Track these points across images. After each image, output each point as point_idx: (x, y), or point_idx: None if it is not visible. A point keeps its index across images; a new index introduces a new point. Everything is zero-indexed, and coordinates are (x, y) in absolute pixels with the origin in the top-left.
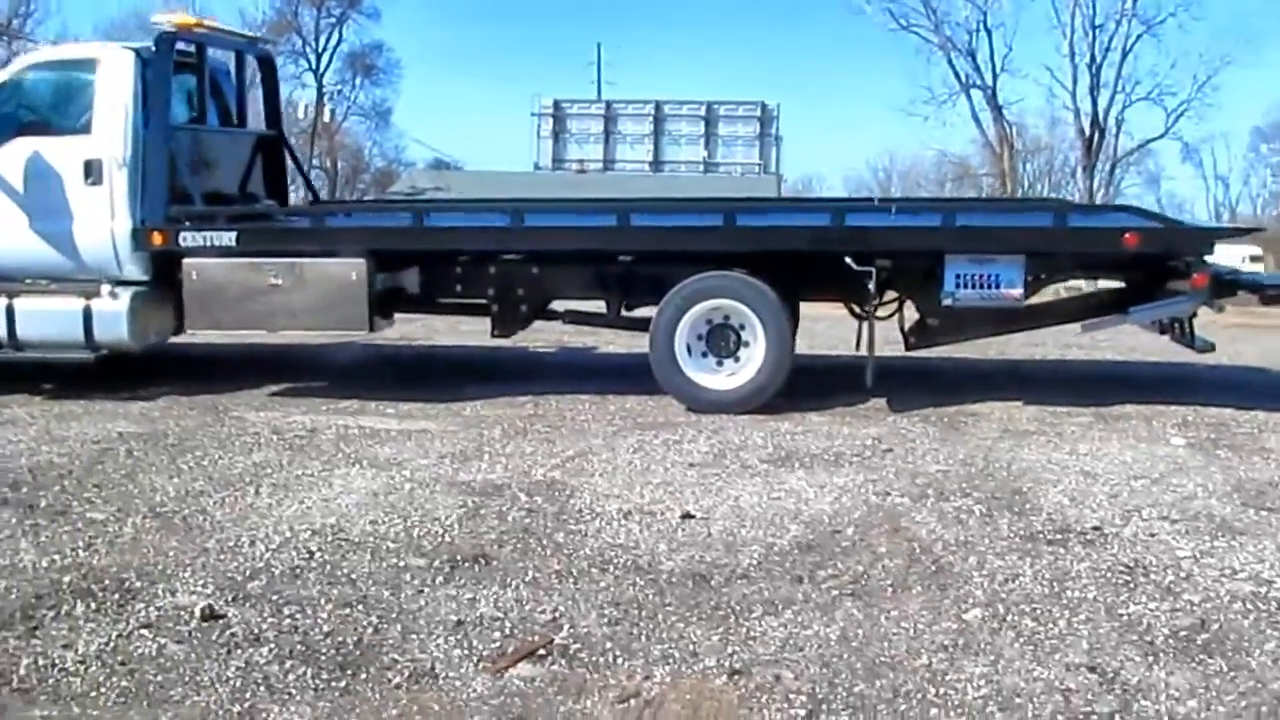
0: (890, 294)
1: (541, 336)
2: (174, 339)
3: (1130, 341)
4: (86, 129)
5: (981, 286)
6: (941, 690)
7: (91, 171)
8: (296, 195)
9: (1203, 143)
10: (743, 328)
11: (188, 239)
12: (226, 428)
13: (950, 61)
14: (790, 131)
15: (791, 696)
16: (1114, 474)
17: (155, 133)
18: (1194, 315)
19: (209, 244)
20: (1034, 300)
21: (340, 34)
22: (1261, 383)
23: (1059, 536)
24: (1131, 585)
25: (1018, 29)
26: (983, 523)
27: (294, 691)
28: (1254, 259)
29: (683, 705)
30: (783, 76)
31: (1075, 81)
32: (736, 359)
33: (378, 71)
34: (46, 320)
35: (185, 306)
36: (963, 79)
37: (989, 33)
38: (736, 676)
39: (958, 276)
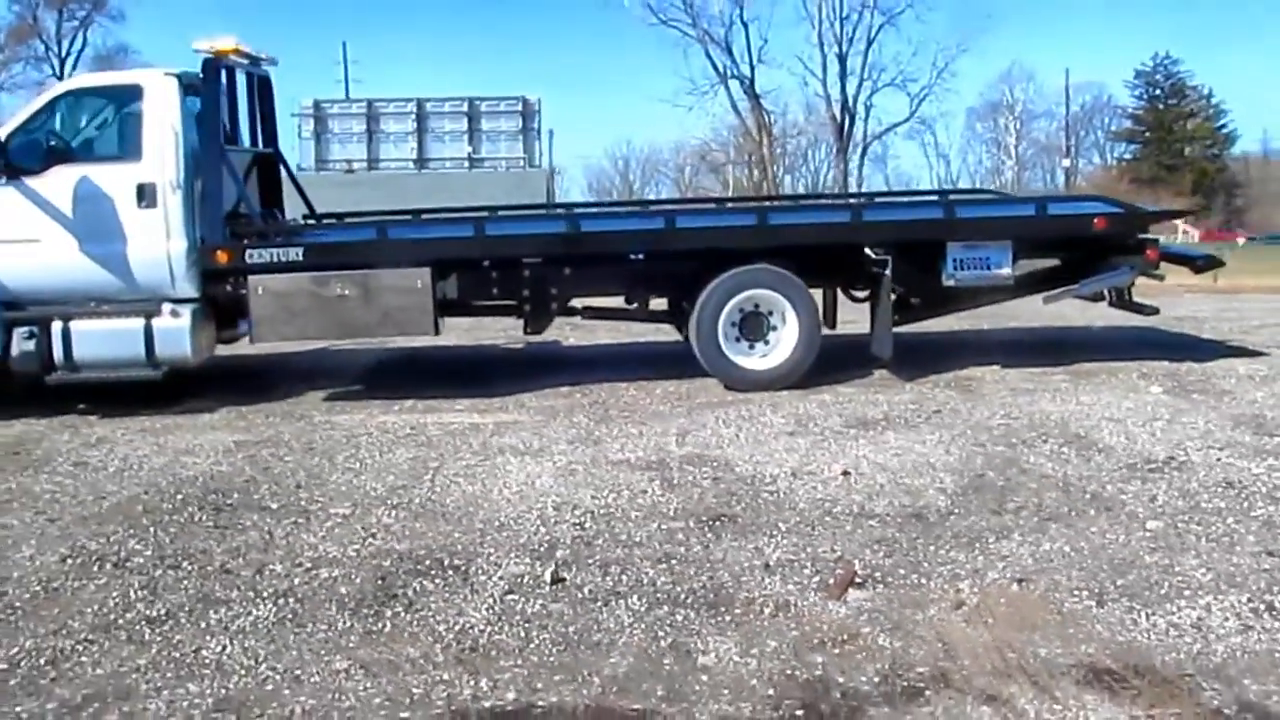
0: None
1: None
2: None
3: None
4: (137, 153)
5: (976, 268)
6: (1178, 578)
7: (145, 195)
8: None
9: (925, 124)
10: (770, 314)
11: (254, 256)
12: (332, 431)
13: (708, 54)
14: (560, 125)
15: (1076, 593)
16: (1133, 417)
17: (210, 155)
18: (1132, 284)
19: (276, 260)
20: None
21: (85, 37)
22: (1166, 340)
23: (1152, 465)
24: (1243, 496)
25: (773, 21)
26: (1083, 460)
27: (696, 627)
28: (1184, 232)
29: (1004, 607)
30: (549, 71)
31: (825, 70)
32: (766, 342)
33: None
34: (107, 340)
35: (253, 320)
36: (721, 70)
37: (745, 25)
38: (1024, 584)
39: (956, 260)
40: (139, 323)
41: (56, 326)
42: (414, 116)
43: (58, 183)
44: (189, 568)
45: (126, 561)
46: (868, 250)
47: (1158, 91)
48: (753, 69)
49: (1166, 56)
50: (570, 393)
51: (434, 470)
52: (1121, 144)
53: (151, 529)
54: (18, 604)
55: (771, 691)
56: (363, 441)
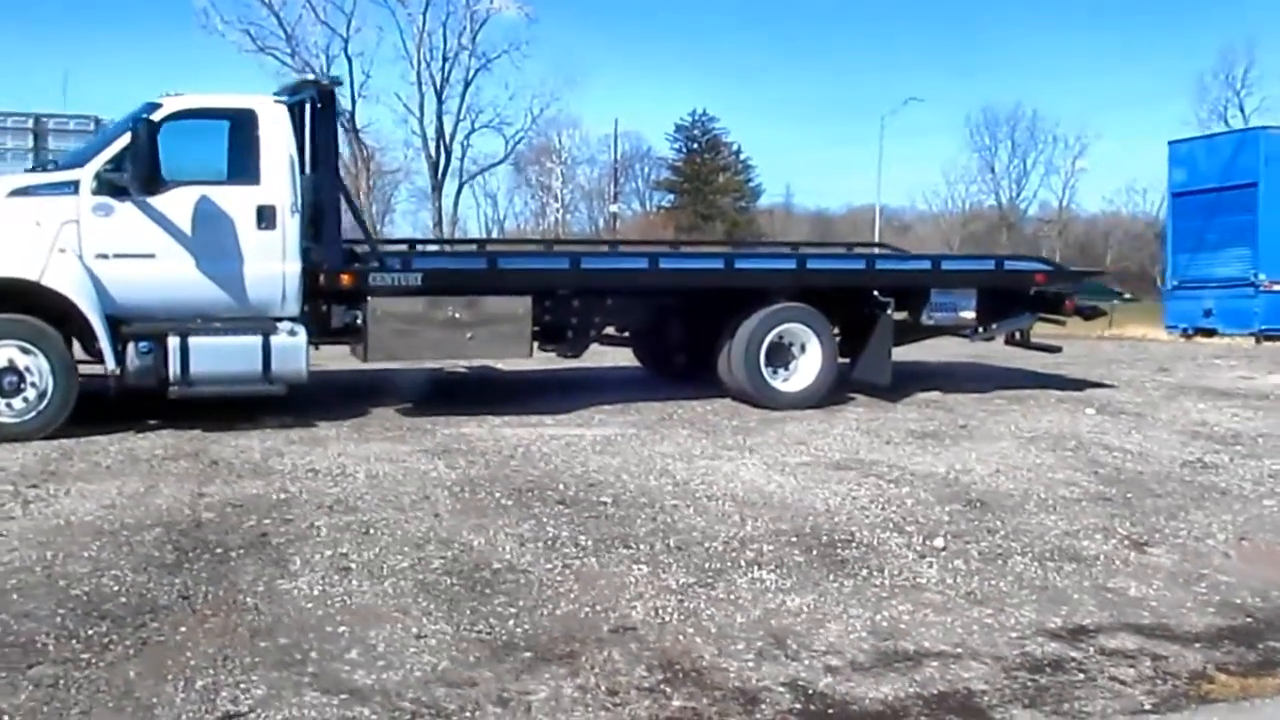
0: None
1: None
2: None
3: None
4: (255, 177)
5: (948, 310)
6: None
7: (264, 217)
8: None
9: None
10: (791, 345)
11: (376, 279)
12: (481, 443)
13: None
14: None
15: None
16: (1112, 431)
17: (328, 181)
18: (1031, 327)
19: (397, 284)
20: None
21: None
22: (1018, 375)
23: (1200, 464)
24: None
25: (375, 57)
26: (1142, 459)
27: (1087, 572)
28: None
29: (1260, 553)
30: (135, 94)
31: (423, 109)
32: (788, 368)
33: None
34: (226, 355)
35: (369, 340)
36: None
37: (349, 59)
38: (1244, 540)
39: (935, 303)
40: (257, 340)
41: (173, 341)
42: (32, 134)
43: (177, 201)
44: (641, 547)
45: (578, 540)
46: (875, 293)
47: (695, 145)
48: (354, 103)
49: (704, 113)
50: (620, 411)
51: (670, 472)
52: (662, 193)
53: (535, 519)
54: (558, 578)
55: (1213, 609)
56: (541, 450)
